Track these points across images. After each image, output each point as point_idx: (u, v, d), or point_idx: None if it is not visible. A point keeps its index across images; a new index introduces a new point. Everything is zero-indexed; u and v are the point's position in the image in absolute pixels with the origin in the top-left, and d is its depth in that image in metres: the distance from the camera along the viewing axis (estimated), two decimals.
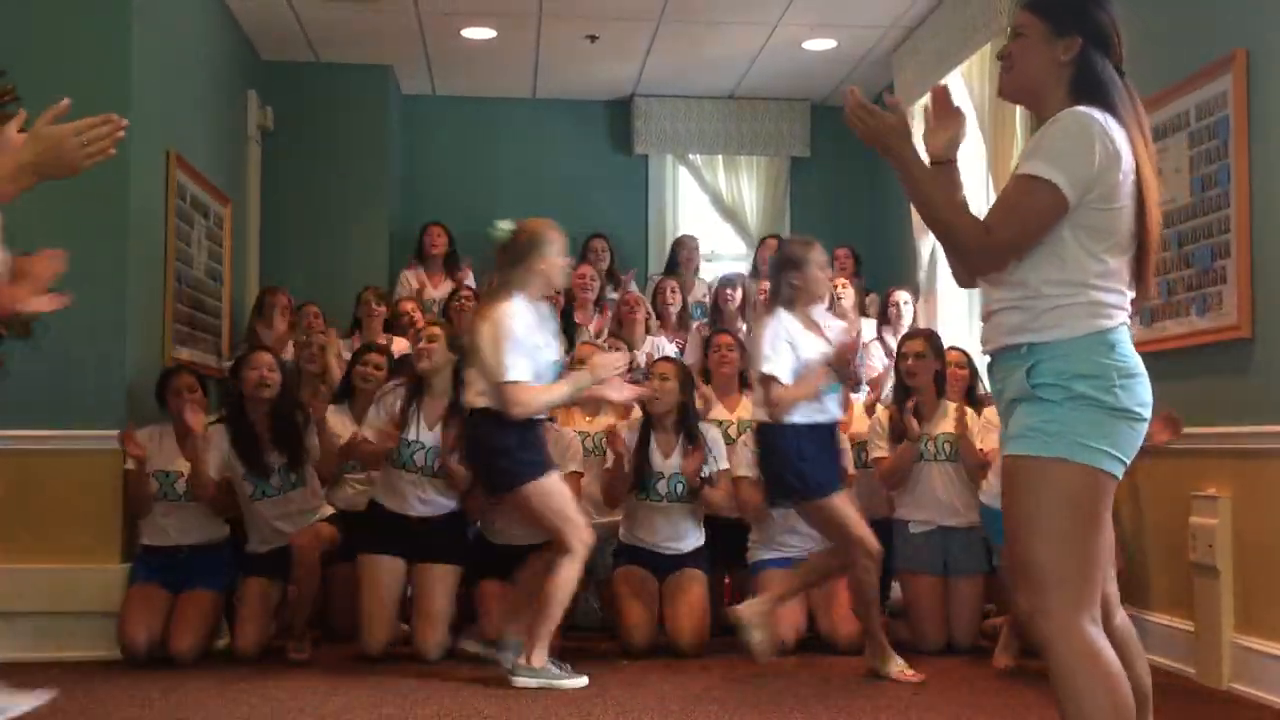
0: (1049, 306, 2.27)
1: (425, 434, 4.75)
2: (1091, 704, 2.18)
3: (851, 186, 8.45)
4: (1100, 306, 2.26)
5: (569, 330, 6.36)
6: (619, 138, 8.52)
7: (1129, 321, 2.31)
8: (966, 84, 6.35)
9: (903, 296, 6.50)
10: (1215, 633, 4.25)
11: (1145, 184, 2.29)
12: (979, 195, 6.81)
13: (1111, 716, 2.18)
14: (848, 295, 6.71)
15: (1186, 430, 4.47)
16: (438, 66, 7.81)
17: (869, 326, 6.68)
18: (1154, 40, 4.81)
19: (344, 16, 6.84)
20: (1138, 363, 2.29)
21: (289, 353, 5.99)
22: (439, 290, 6.97)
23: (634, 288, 7.30)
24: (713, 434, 5.12)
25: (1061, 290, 2.26)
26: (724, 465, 5.04)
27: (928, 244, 7.08)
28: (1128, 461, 2.28)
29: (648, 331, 6.42)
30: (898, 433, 4.91)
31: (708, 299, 7.02)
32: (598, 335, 6.41)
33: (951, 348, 5.89)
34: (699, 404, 5.28)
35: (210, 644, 4.68)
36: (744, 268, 7.60)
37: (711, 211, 8.59)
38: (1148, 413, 2.29)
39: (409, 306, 6.46)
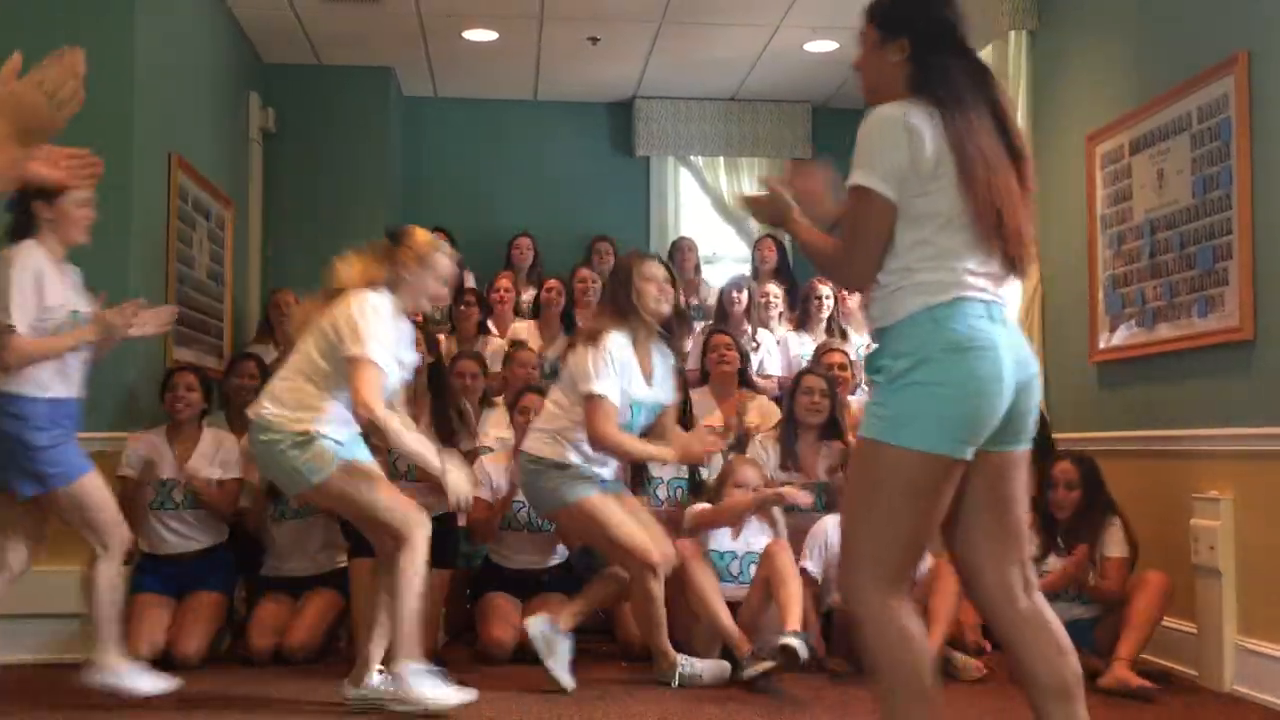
0: (884, 295, 2.36)
1: None
2: (893, 678, 2.29)
3: None
4: (928, 286, 2.30)
5: (570, 331, 6.36)
6: (620, 139, 8.52)
7: (975, 295, 2.31)
8: None
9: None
10: (1217, 635, 4.25)
11: (970, 159, 2.31)
12: None
13: (915, 694, 2.28)
14: (853, 297, 6.70)
15: (1188, 432, 4.47)
16: (439, 68, 7.81)
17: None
18: (1156, 42, 4.82)
19: (346, 18, 6.84)
20: (976, 336, 2.28)
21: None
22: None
23: None
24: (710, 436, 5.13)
25: (893, 277, 2.34)
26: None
27: None
28: (967, 438, 2.27)
29: None
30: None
31: (709, 301, 7.02)
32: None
33: None
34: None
35: (216, 646, 4.67)
36: (747, 269, 7.60)
37: (713, 213, 8.59)
38: (989, 385, 2.26)
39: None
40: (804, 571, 4.51)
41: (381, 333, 3.73)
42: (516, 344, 5.96)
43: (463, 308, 6.29)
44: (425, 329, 5.06)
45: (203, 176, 5.86)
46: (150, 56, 5.12)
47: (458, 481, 3.82)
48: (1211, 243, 4.38)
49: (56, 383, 3.77)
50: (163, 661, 4.50)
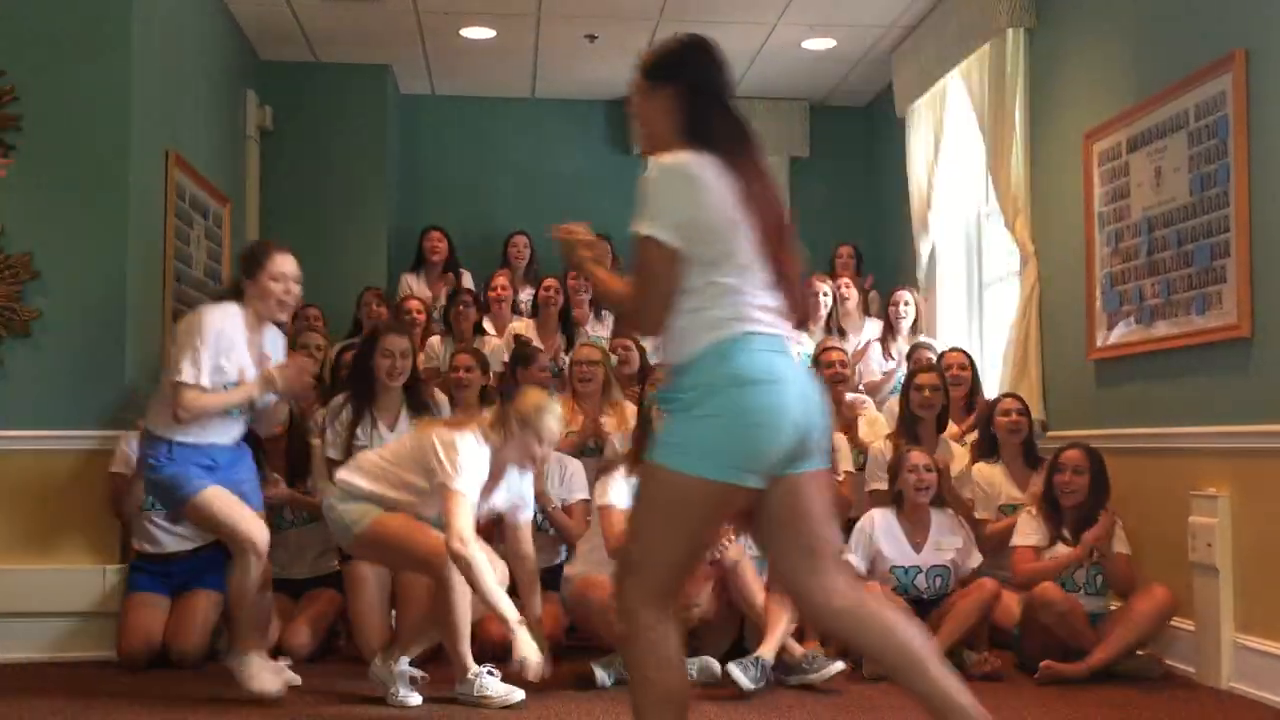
0: (677, 334, 2.44)
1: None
2: (646, 696, 2.39)
3: (850, 186, 8.45)
4: (716, 322, 2.40)
5: (568, 330, 6.36)
6: (618, 137, 8.50)
7: (761, 330, 2.41)
8: (965, 83, 6.35)
9: (904, 297, 6.49)
10: (1215, 632, 4.25)
11: (751, 203, 2.43)
12: (978, 196, 6.82)
13: (659, 702, 2.38)
14: (852, 296, 6.72)
15: (1186, 429, 4.48)
16: (437, 66, 7.80)
17: (873, 327, 6.68)
18: (1154, 40, 4.82)
19: (343, 16, 6.84)
20: (760, 371, 2.37)
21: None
22: (439, 295, 6.95)
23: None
24: None
25: (684, 318, 2.42)
26: None
27: (927, 243, 7.08)
28: (749, 467, 2.36)
29: None
30: (894, 467, 4.79)
31: None
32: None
33: (953, 349, 5.91)
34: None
35: (212, 644, 4.67)
36: None
37: None
38: (773, 417, 2.35)
39: (414, 305, 6.44)
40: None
41: (475, 471, 3.85)
42: (521, 341, 5.94)
43: (460, 308, 6.28)
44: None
45: (200, 174, 5.85)
46: (147, 54, 5.11)
47: (527, 644, 3.77)
48: (1209, 240, 4.38)
49: (207, 430, 3.97)
50: (161, 660, 4.51)
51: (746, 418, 2.35)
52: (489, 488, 3.98)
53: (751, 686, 4.01)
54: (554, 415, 3.98)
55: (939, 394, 5.13)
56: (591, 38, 7.20)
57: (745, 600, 4.36)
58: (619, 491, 4.32)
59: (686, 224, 2.38)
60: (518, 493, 4.13)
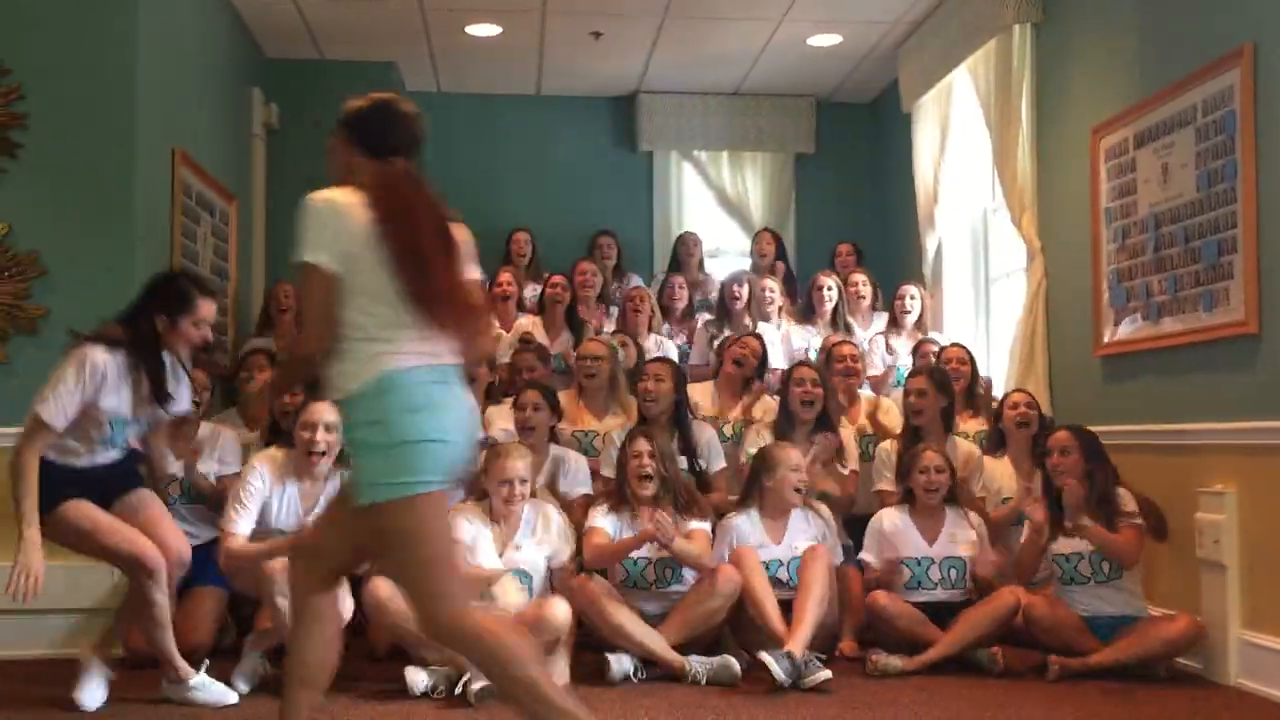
0: (345, 368, 2.66)
1: None
2: (504, 663, 2.62)
3: (856, 182, 8.45)
4: (381, 355, 2.63)
5: (574, 327, 6.36)
6: (623, 134, 8.51)
7: (422, 361, 2.65)
8: (971, 79, 6.34)
9: (909, 292, 6.49)
10: (1222, 628, 4.25)
11: (398, 241, 2.67)
12: (985, 192, 6.81)
13: (523, 663, 2.61)
14: (867, 295, 6.71)
15: (1193, 426, 4.47)
16: (442, 63, 7.80)
17: (877, 322, 6.67)
18: (1161, 35, 4.81)
19: (348, 13, 6.84)
20: (425, 399, 2.63)
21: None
22: None
23: (638, 282, 7.30)
24: (708, 433, 5.14)
25: (350, 346, 2.66)
26: (720, 464, 5.09)
27: (933, 239, 7.07)
28: (445, 474, 2.65)
29: (651, 328, 6.42)
30: (907, 466, 4.78)
31: (713, 295, 7.02)
32: (597, 331, 6.41)
33: (953, 344, 5.91)
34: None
35: (219, 639, 4.67)
36: (748, 264, 7.59)
37: (716, 208, 8.57)
38: (447, 435, 2.64)
39: None
40: (863, 563, 4.65)
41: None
42: (525, 341, 5.94)
43: None
44: None
45: (206, 172, 5.86)
46: (153, 52, 5.11)
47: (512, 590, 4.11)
48: (1216, 236, 4.37)
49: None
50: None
51: (424, 439, 2.60)
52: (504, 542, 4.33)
53: (786, 680, 4.01)
54: (506, 456, 4.31)
55: (926, 399, 5.09)
56: (596, 34, 7.20)
57: (753, 602, 4.35)
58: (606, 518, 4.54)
59: (337, 253, 2.65)
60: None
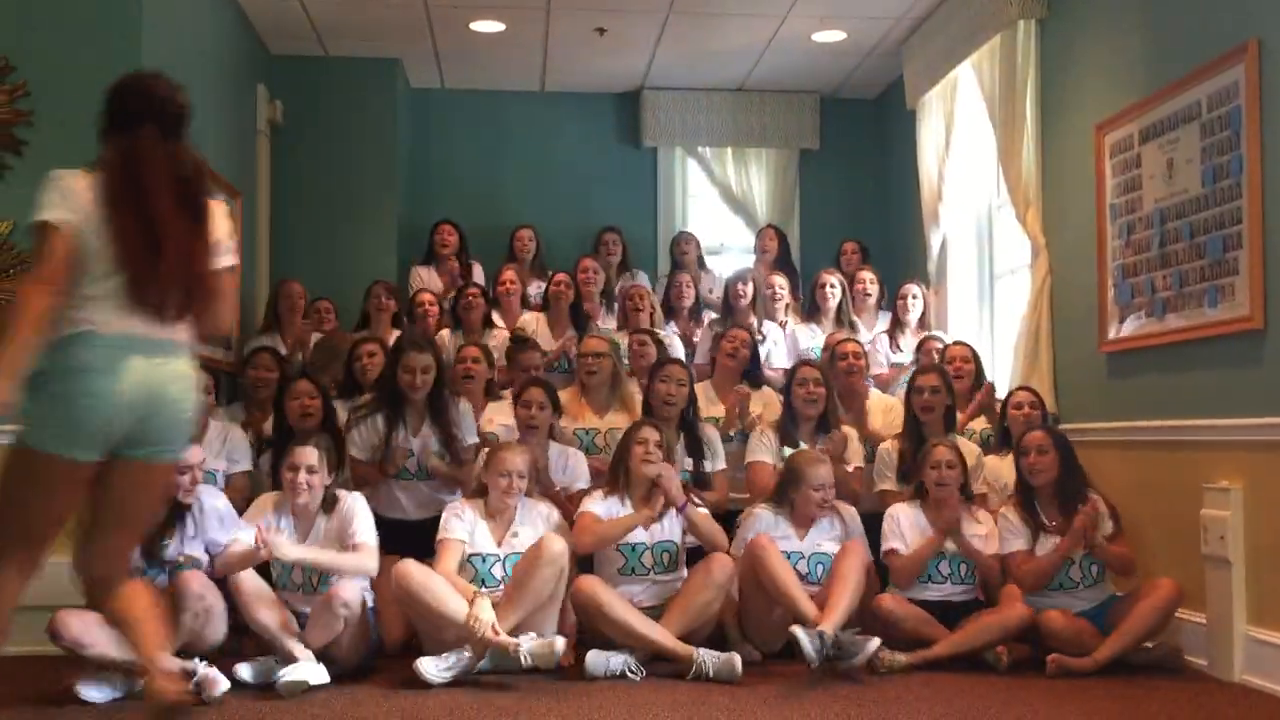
0: (55, 320, 2.84)
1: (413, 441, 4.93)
2: None
3: (860, 179, 8.44)
4: (72, 318, 2.84)
5: (579, 323, 6.36)
6: (628, 130, 8.51)
7: (110, 330, 2.84)
8: (976, 75, 6.33)
9: (912, 290, 6.48)
10: (1227, 625, 4.25)
11: (119, 217, 2.86)
12: (989, 188, 6.80)
13: None
14: (874, 293, 6.70)
15: (1199, 422, 4.47)
16: (446, 60, 7.80)
17: (883, 320, 6.66)
18: (1165, 31, 4.80)
19: (352, 10, 6.84)
20: (87, 361, 2.82)
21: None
22: (450, 287, 6.95)
23: (641, 279, 7.29)
24: (710, 432, 5.15)
25: (64, 308, 2.85)
26: (720, 464, 5.10)
27: (938, 235, 7.06)
28: (75, 444, 2.81)
29: (653, 325, 6.41)
30: (920, 461, 4.79)
31: (714, 293, 7.02)
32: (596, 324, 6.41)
33: (956, 342, 5.90)
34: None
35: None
36: (752, 261, 7.59)
37: (720, 204, 8.57)
38: (95, 402, 2.80)
39: (426, 298, 6.45)
40: (890, 553, 4.66)
41: None
42: (519, 340, 5.92)
43: (467, 299, 6.28)
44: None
45: (211, 168, 5.85)
46: (158, 48, 5.11)
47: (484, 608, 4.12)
48: (1221, 232, 4.36)
49: None
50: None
51: (75, 402, 2.79)
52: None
53: (816, 659, 4.02)
54: (506, 451, 4.44)
55: (939, 395, 5.09)
56: (601, 31, 7.20)
57: (775, 583, 4.34)
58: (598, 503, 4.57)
59: (66, 220, 2.83)
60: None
